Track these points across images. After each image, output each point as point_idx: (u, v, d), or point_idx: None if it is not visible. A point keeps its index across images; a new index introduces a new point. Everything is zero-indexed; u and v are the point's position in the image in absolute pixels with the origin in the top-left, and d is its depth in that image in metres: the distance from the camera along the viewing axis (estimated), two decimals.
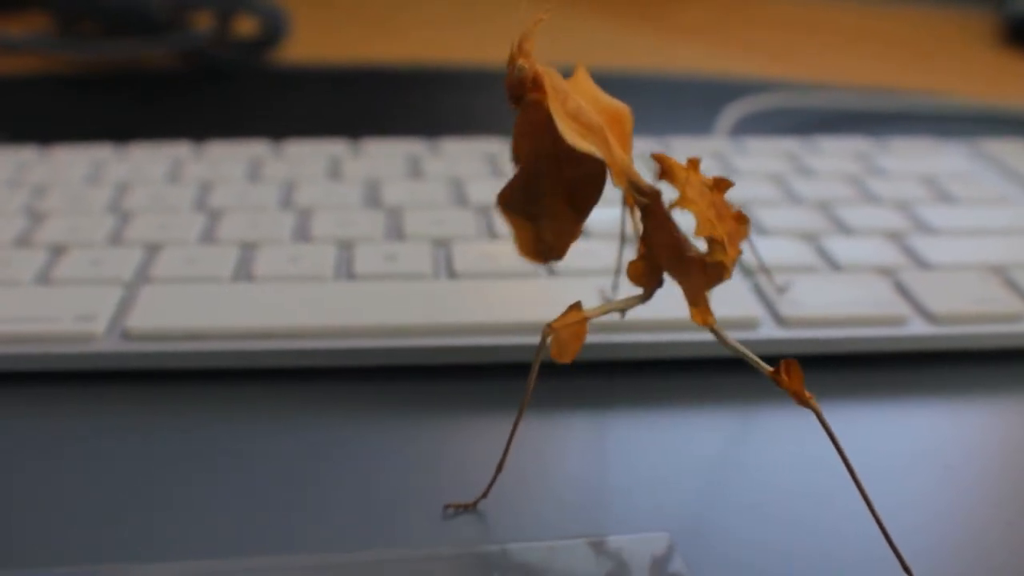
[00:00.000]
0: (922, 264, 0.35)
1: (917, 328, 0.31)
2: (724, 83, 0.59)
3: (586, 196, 0.25)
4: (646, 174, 0.40)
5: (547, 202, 0.25)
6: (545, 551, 0.23)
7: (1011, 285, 0.34)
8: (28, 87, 0.57)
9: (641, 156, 0.42)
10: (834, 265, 0.34)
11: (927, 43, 0.73)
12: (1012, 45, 0.72)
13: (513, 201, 0.25)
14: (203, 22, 0.61)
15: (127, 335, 0.30)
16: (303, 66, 0.62)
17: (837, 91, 0.56)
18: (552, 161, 0.24)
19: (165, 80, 0.59)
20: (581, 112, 0.24)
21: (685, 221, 0.35)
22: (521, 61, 0.23)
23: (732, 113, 0.50)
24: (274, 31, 0.61)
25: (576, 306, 0.24)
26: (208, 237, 0.35)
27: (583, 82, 0.25)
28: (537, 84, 0.23)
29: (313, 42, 0.68)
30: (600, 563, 0.23)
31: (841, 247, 0.35)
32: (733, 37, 0.72)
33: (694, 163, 0.24)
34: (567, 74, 0.26)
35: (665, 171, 0.24)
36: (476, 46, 0.68)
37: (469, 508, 0.25)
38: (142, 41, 0.60)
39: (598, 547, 0.24)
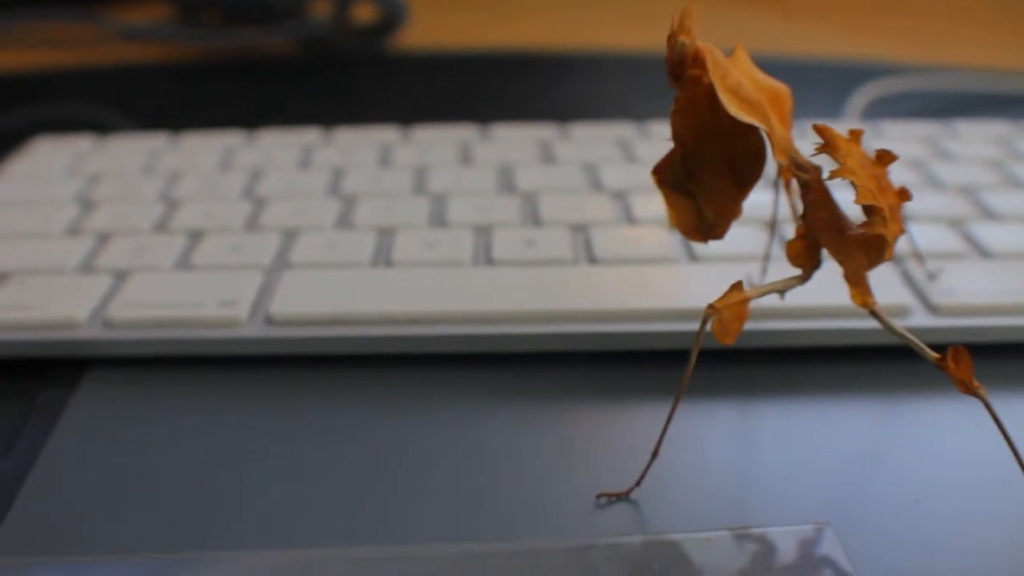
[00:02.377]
0: None
1: None
2: (853, 66, 0.58)
3: (747, 171, 0.24)
4: (807, 152, 0.40)
5: (707, 178, 0.24)
6: (700, 542, 0.23)
7: None
8: (151, 75, 0.58)
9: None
10: (983, 252, 0.33)
11: None
12: None
13: (671, 177, 0.25)
14: (321, 9, 0.62)
15: (270, 320, 0.30)
16: (423, 52, 0.61)
17: (968, 73, 0.55)
18: (712, 136, 0.24)
19: (285, 68, 0.59)
20: (742, 87, 0.23)
21: (845, 199, 0.34)
22: (683, 37, 0.23)
23: (862, 96, 0.49)
24: (393, 17, 0.61)
25: (737, 286, 0.23)
26: (344, 222, 0.35)
27: (743, 61, 0.24)
28: (698, 60, 0.23)
29: (432, 28, 0.68)
30: (755, 554, 0.23)
31: (989, 233, 0.34)
32: (860, 20, 0.71)
33: (856, 135, 0.23)
34: (727, 54, 0.25)
35: (827, 142, 0.23)
36: (594, 30, 0.68)
37: (622, 496, 0.24)
38: (261, 29, 0.60)
39: (752, 538, 0.23)
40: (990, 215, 0.36)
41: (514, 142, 0.42)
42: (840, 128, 0.43)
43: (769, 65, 0.58)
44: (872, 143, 0.42)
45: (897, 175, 0.39)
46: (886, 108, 0.51)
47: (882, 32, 0.68)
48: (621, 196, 0.37)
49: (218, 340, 0.29)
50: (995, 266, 0.32)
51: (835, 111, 0.50)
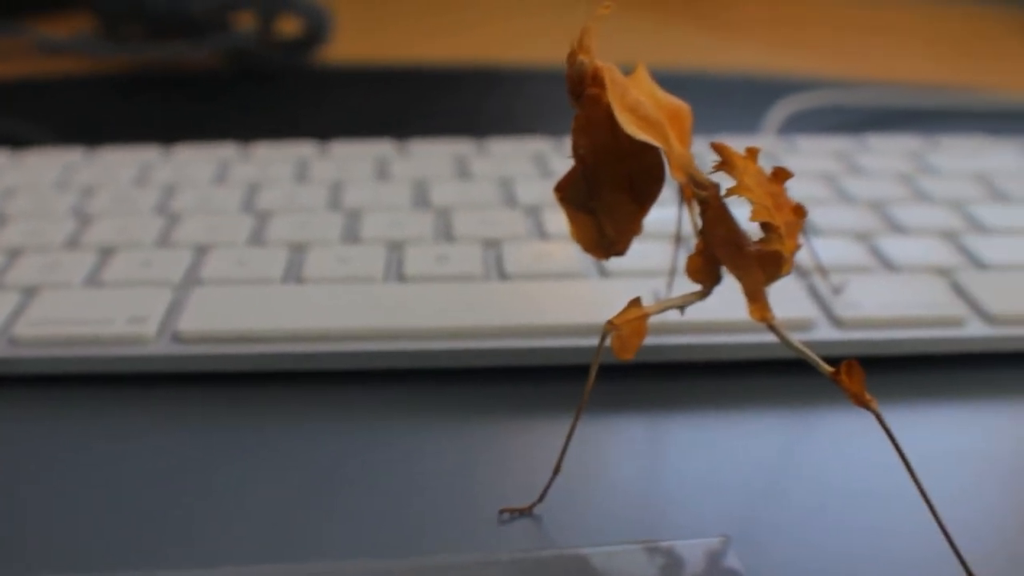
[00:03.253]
0: (978, 264, 0.34)
1: (975, 329, 0.31)
2: (773, 81, 0.59)
3: (647, 189, 0.24)
4: (706, 169, 0.40)
5: (607, 196, 0.25)
6: (604, 556, 0.23)
7: None
8: (72, 88, 0.57)
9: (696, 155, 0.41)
10: (889, 265, 0.34)
11: (976, 40, 0.72)
12: None
13: (572, 194, 0.25)
14: (246, 23, 0.61)
15: (178, 338, 0.30)
16: (347, 66, 0.61)
17: (886, 88, 0.55)
18: (612, 154, 0.24)
19: (209, 81, 0.59)
20: (640, 106, 0.23)
21: (743, 216, 0.35)
22: (582, 56, 0.23)
23: (780, 111, 0.49)
24: (317, 31, 0.61)
25: (635, 302, 0.23)
26: (257, 239, 0.35)
27: (643, 79, 0.25)
28: (597, 79, 0.23)
29: (356, 42, 0.68)
30: (659, 568, 0.23)
31: (896, 247, 0.35)
32: (783, 35, 0.72)
33: (752, 152, 0.24)
34: (628, 72, 0.25)
35: (724, 159, 0.23)
36: (520, 45, 0.68)
37: (525, 512, 0.25)
38: (185, 42, 0.60)
39: (656, 552, 0.23)
40: (898, 229, 0.36)
41: (431, 158, 0.42)
42: (746, 144, 0.44)
43: (691, 79, 0.59)
44: (786, 158, 0.43)
45: (809, 190, 0.39)
46: (803, 123, 0.52)
47: (804, 48, 0.69)
48: (534, 211, 0.37)
49: (126, 358, 0.29)
50: (900, 279, 0.33)
51: (753, 125, 0.51)
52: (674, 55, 0.66)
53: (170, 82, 0.59)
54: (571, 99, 0.24)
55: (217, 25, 0.61)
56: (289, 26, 0.63)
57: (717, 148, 0.23)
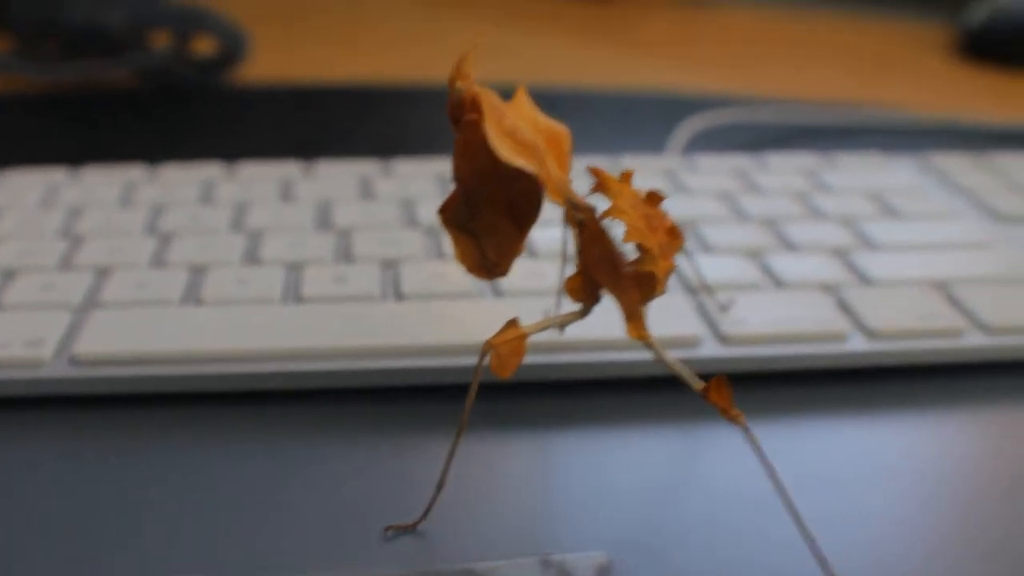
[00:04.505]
0: (865, 280, 0.35)
1: (857, 344, 0.32)
2: (679, 99, 0.60)
3: (525, 212, 0.25)
4: (584, 192, 0.41)
5: (488, 218, 0.25)
6: (485, 571, 0.24)
7: (952, 300, 0.34)
8: None
9: (583, 175, 0.42)
10: (778, 282, 0.35)
11: (884, 55, 0.73)
12: (968, 57, 0.73)
13: (455, 216, 0.25)
14: (162, 42, 0.62)
15: (75, 360, 0.30)
16: (260, 86, 0.62)
17: (790, 105, 0.57)
18: (490, 179, 0.25)
19: (123, 100, 0.59)
20: (517, 131, 0.24)
21: (621, 238, 0.36)
22: (459, 83, 0.24)
23: (685, 130, 0.50)
24: (233, 51, 0.61)
25: (514, 322, 0.24)
26: (158, 261, 0.36)
27: (523, 104, 0.25)
28: (475, 105, 0.24)
29: (272, 62, 0.68)
30: None
31: (785, 264, 0.36)
32: (691, 52, 0.73)
33: (627, 176, 0.25)
34: (508, 96, 0.26)
35: (600, 183, 0.24)
36: (438, 65, 0.68)
37: (409, 529, 0.25)
38: (101, 61, 0.60)
39: (538, 566, 0.24)
40: (789, 246, 0.37)
41: (336, 178, 0.43)
42: (659, 166, 0.45)
43: (598, 97, 0.60)
44: (687, 177, 0.44)
45: (705, 208, 0.40)
46: (709, 141, 0.53)
47: (712, 64, 0.70)
48: (434, 232, 0.38)
49: (21, 381, 0.30)
50: (787, 296, 0.34)
51: (659, 144, 0.52)
52: (580, 73, 0.67)
53: (84, 101, 0.59)
54: (452, 125, 0.25)
55: (133, 44, 0.61)
56: (205, 46, 0.63)
57: (593, 172, 0.24)
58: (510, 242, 0.26)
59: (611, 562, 0.24)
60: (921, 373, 0.32)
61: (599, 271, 0.25)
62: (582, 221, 0.25)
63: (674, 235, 0.25)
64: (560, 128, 0.26)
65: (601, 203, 0.40)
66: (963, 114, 0.59)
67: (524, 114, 0.25)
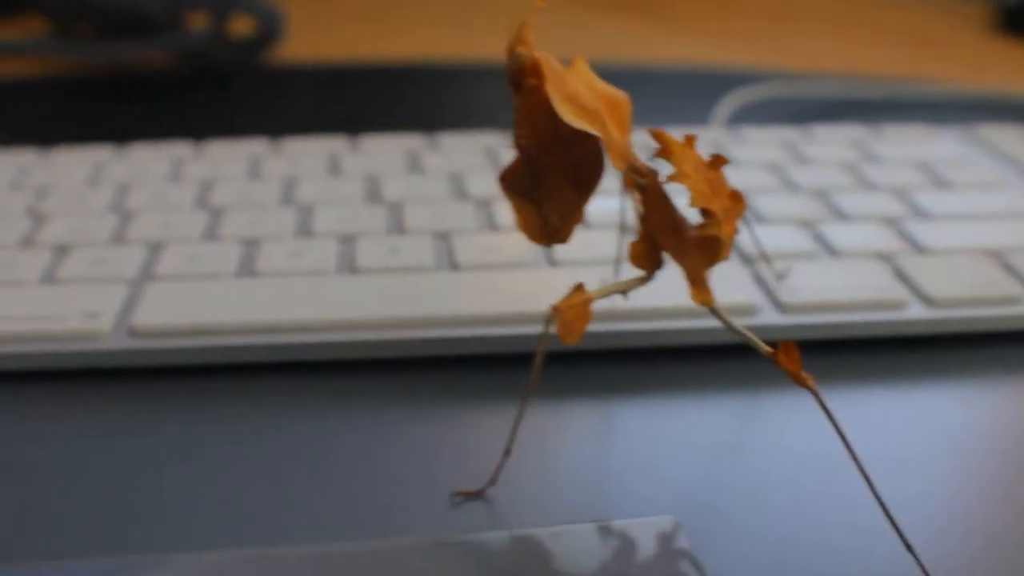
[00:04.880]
0: (919, 249, 0.35)
1: (916, 312, 0.32)
2: (719, 74, 0.59)
3: (588, 176, 0.25)
4: (645, 157, 0.41)
5: (550, 184, 0.25)
6: (553, 536, 0.24)
7: (1008, 268, 0.34)
8: (25, 90, 0.57)
9: (638, 146, 0.42)
10: (832, 251, 0.35)
11: (921, 31, 0.73)
12: (1004, 32, 0.73)
13: (516, 184, 0.25)
14: (199, 23, 0.62)
15: (133, 332, 0.30)
16: (299, 65, 0.62)
17: (832, 80, 0.56)
18: (553, 144, 0.25)
19: (162, 81, 0.59)
20: (579, 95, 0.24)
21: (683, 203, 0.35)
22: (520, 48, 0.24)
23: (728, 104, 0.50)
24: (270, 31, 0.61)
25: (579, 288, 0.24)
26: (210, 235, 0.36)
27: (581, 70, 0.25)
28: (536, 70, 0.24)
29: (309, 41, 0.69)
30: (607, 547, 0.23)
31: (839, 233, 0.36)
32: (726, 27, 0.73)
33: (690, 140, 0.24)
34: (567, 63, 0.26)
35: (662, 147, 0.24)
36: (471, 42, 0.68)
37: (477, 495, 0.25)
38: (138, 42, 0.60)
39: (605, 531, 0.24)
40: (841, 216, 0.37)
41: (383, 153, 0.43)
42: (704, 139, 0.45)
43: (637, 73, 0.59)
44: (734, 149, 0.43)
45: (756, 179, 0.40)
46: (751, 114, 0.53)
47: (748, 40, 0.70)
48: (484, 204, 0.38)
49: (81, 353, 0.30)
50: (843, 265, 0.33)
51: (704, 117, 0.52)
52: (621, 49, 0.67)
53: (123, 83, 0.59)
54: (511, 90, 0.25)
55: (170, 25, 0.61)
56: (242, 26, 0.63)
57: (656, 135, 0.24)
58: (572, 208, 0.26)
59: (677, 526, 0.24)
60: (981, 340, 0.32)
61: (662, 236, 0.25)
62: (644, 186, 0.25)
63: (736, 199, 0.25)
64: (619, 94, 0.26)
65: (663, 167, 0.40)
66: (1001, 88, 0.58)
67: (584, 80, 0.25)
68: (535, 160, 0.25)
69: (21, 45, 0.61)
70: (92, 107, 0.54)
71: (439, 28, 0.72)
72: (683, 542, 0.23)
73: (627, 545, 0.23)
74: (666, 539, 0.24)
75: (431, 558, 0.23)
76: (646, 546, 0.23)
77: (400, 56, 0.65)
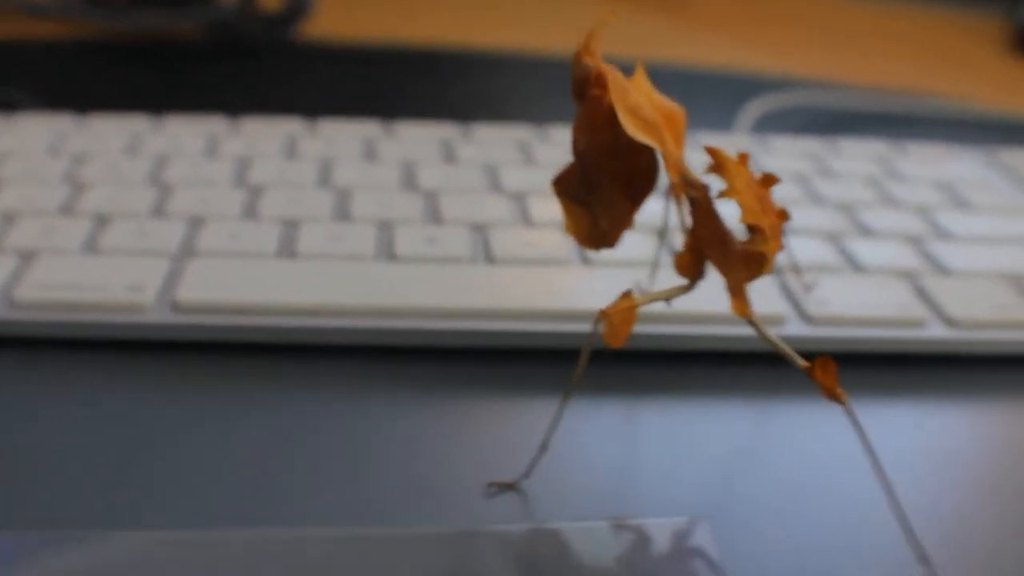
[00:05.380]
0: (940, 269, 0.36)
1: (936, 331, 0.32)
2: (744, 79, 0.60)
3: (642, 186, 0.26)
4: (697, 169, 0.41)
5: (603, 191, 0.26)
6: (582, 532, 0.24)
7: None
8: (57, 53, 0.58)
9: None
10: (857, 266, 0.35)
11: (941, 46, 0.74)
12: (1021, 52, 0.74)
13: (570, 189, 0.26)
14: None
15: (176, 307, 0.31)
16: (329, 43, 0.62)
17: (854, 91, 0.57)
18: (611, 153, 0.25)
19: (191, 52, 0.59)
20: (640, 108, 0.25)
21: (728, 215, 0.36)
22: (587, 59, 0.24)
23: (752, 110, 0.51)
24: (299, 7, 0.62)
25: (627, 294, 0.25)
26: (250, 212, 0.36)
27: (641, 82, 0.26)
28: (600, 81, 0.24)
29: (336, 19, 0.69)
30: (633, 545, 0.24)
31: (863, 249, 0.36)
32: (754, 32, 0.73)
33: (743, 157, 0.25)
34: (628, 73, 0.27)
35: (717, 163, 0.25)
36: (497, 29, 0.69)
37: (512, 487, 0.26)
38: (168, 12, 0.61)
39: (632, 529, 0.25)
40: (866, 232, 0.38)
41: (417, 140, 0.43)
42: (730, 146, 0.45)
43: (667, 74, 0.60)
44: (760, 157, 0.44)
45: (783, 189, 0.41)
46: (775, 121, 0.53)
47: (774, 45, 0.70)
48: (519, 198, 0.38)
49: (125, 325, 0.30)
50: (867, 280, 0.34)
51: (727, 122, 0.53)
52: (646, 48, 0.67)
53: (154, 51, 0.59)
54: (574, 99, 0.25)
55: None
56: (271, 1, 0.63)
57: (711, 152, 0.25)
58: (623, 215, 0.26)
59: (699, 526, 0.25)
60: (997, 363, 0.33)
61: (710, 248, 0.26)
62: (696, 199, 0.25)
63: (783, 217, 0.26)
64: (675, 107, 0.27)
65: (715, 182, 0.41)
66: (1016, 109, 0.59)
67: (644, 92, 0.26)
68: (591, 167, 0.26)
69: (51, 7, 0.62)
70: (123, 73, 0.55)
71: (462, 11, 0.73)
72: (708, 542, 0.24)
73: (655, 543, 0.24)
74: (691, 539, 0.24)
75: (464, 546, 0.24)
76: (668, 544, 0.24)
77: (427, 39, 0.65)
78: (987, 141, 0.53)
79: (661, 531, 0.25)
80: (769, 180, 0.25)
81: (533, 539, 0.24)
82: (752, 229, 0.25)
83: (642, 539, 0.24)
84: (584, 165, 0.26)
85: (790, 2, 0.84)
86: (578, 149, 0.26)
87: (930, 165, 0.45)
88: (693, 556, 0.24)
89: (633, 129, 0.24)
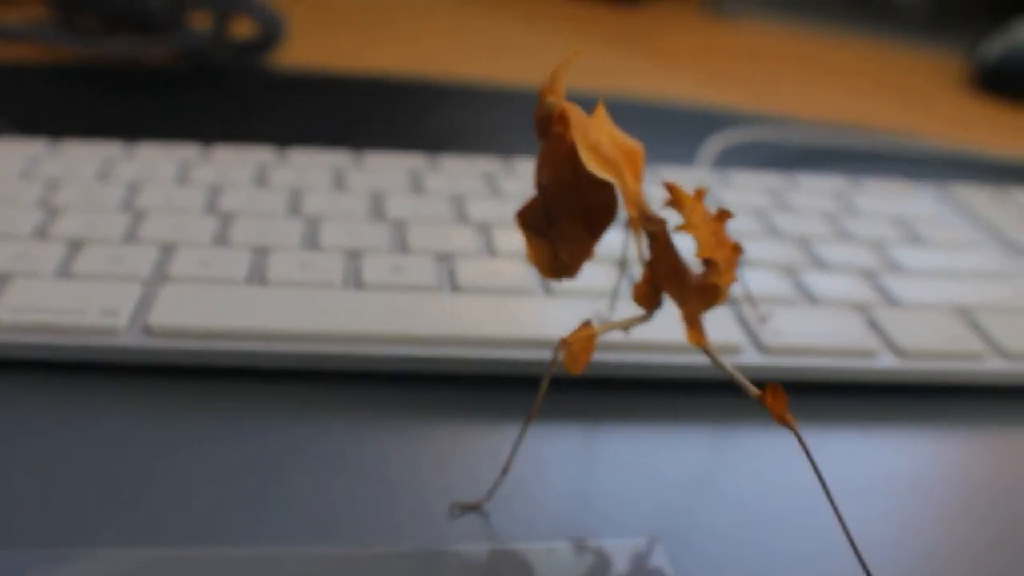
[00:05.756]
0: (892, 301, 0.37)
1: (886, 362, 0.34)
2: (707, 114, 0.61)
3: (601, 220, 0.27)
4: (655, 204, 0.43)
5: (564, 224, 0.27)
6: (542, 553, 0.25)
7: (975, 326, 0.36)
8: (26, 77, 0.58)
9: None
10: (811, 298, 0.37)
11: (903, 83, 0.75)
12: (982, 90, 0.75)
13: (533, 221, 0.27)
14: (202, 22, 0.63)
15: (149, 331, 0.31)
16: (301, 72, 0.63)
17: (815, 127, 0.58)
18: (572, 188, 0.26)
19: (164, 79, 0.60)
20: (600, 145, 0.26)
21: (685, 248, 0.37)
22: (550, 98, 0.25)
23: (714, 145, 0.52)
24: (271, 34, 0.63)
25: (587, 324, 0.26)
26: (221, 240, 0.37)
27: (602, 119, 0.27)
28: (563, 119, 0.25)
29: (308, 47, 0.70)
30: (592, 564, 0.25)
31: (818, 282, 0.38)
32: (717, 67, 0.75)
33: (700, 193, 0.26)
34: (589, 111, 0.28)
35: (675, 199, 0.26)
36: (463, 59, 0.70)
37: (474, 508, 0.27)
38: (142, 38, 0.61)
39: (590, 550, 0.26)
40: (821, 265, 0.39)
41: (386, 171, 0.44)
42: (689, 180, 0.46)
43: (631, 108, 0.61)
44: (720, 191, 0.45)
45: (741, 223, 0.42)
46: (736, 156, 0.55)
47: (736, 80, 0.72)
48: (485, 229, 0.39)
49: (99, 348, 0.31)
50: (821, 312, 0.35)
51: (689, 156, 0.54)
52: (612, 81, 0.69)
53: (127, 77, 0.60)
54: (538, 136, 0.26)
55: (173, 23, 0.63)
56: (243, 28, 0.64)
57: (669, 187, 0.26)
58: (583, 247, 0.27)
59: (656, 546, 0.26)
60: (945, 393, 0.34)
61: (666, 280, 0.27)
62: (653, 233, 0.26)
63: (737, 251, 0.27)
64: (634, 144, 0.28)
65: (672, 216, 0.42)
66: (977, 146, 0.61)
67: (604, 129, 0.27)
68: (553, 201, 0.27)
69: (23, 31, 0.62)
70: (96, 99, 0.56)
71: (432, 43, 0.74)
72: (662, 561, 0.25)
73: (610, 562, 0.25)
74: (646, 557, 0.25)
75: (426, 566, 0.25)
76: (628, 563, 0.25)
77: (395, 67, 0.66)
78: (942, 177, 0.55)
79: (619, 551, 0.26)
80: (724, 215, 0.26)
81: (495, 559, 0.25)
82: (707, 262, 0.26)
83: (601, 559, 0.25)
84: (546, 199, 0.27)
85: (754, 38, 0.85)
86: (541, 183, 0.27)
87: (886, 200, 0.46)
88: (651, 573, 0.25)
89: (593, 166, 0.25)
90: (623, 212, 0.41)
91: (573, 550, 0.26)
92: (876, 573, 0.26)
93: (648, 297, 0.27)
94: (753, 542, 0.27)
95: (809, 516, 0.28)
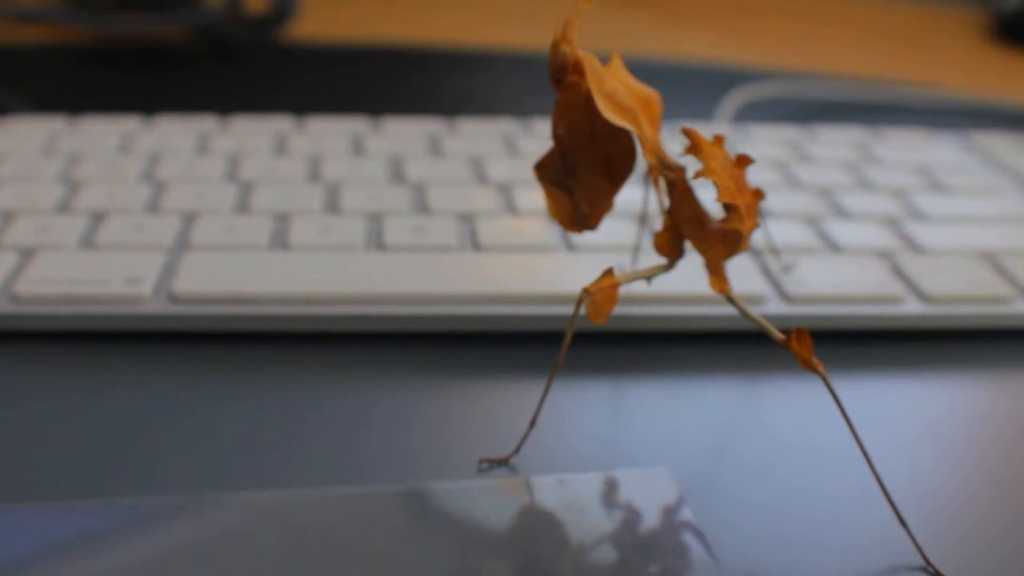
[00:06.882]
0: (916, 248, 0.37)
1: (912, 307, 0.33)
2: (724, 71, 0.61)
3: (620, 169, 0.27)
4: (673, 152, 0.42)
5: (583, 175, 0.27)
6: (556, 484, 0.25)
7: (999, 270, 0.36)
8: (46, 57, 0.58)
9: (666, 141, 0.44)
10: (834, 247, 0.36)
11: (921, 36, 0.75)
12: (1001, 40, 0.75)
13: (550, 173, 0.27)
14: None
15: (174, 298, 0.32)
16: (313, 44, 0.63)
17: (833, 81, 0.58)
18: (589, 137, 0.26)
19: (179, 56, 0.60)
20: (616, 93, 0.26)
21: (707, 196, 0.37)
22: (564, 46, 0.25)
23: (732, 100, 0.52)
24: (284, 8, 0.63)
25: (608, 272, 0.26)
26: (242, 207, 0.37)
27: (618, 69, 0.27)
28: (577, 68, 0.25)
29: (321, 20, 0.70)
30: (607, 493, 0.25)
31: (841, 231, 0.37)
32: (733, 26, 0.74)
33: (719, 139, 0.26)
34: (604, 61, 0.28)
35: (693, 144, 0.26)
36: (480, 27, 0.70)
37: (503, 462, 0.27)
38: (156, 15, 0.61)
39: (605, 480, 0.26)
40: (843, 214, 0.39)
41: (404, 135, 0.44)
42: (707, 131, 0.46)
43: (649, 68, 0.61)
44: (740, 145, 0.45)
45: (761, 175, 0.42)
46: (755, 112, 0.54)
47: (753, 38, 0.71)
48: (505, 189, 0.39)
49: (124, 316, 0.31)
50: (844, 260, 0.35)
51: (708, 113, 0.54)
52: (627, 43, 0.68)
53: (141, 54, 0.60)
54: (553, 85, 0.26)
55: (186, 0, 0.63)
56: (256, 3, 0.64)
57: (687, 133, 0.26)
58: (603, 197, 0.27)
59: (671, 476, 0.26)
60: (971, 337, 0.34)
61: (687, 227, 0.27)
62: (673, 180, 0.26)
63: (758, 196, 0.27)
64: (652, 93, 0.28)
65: (691, 163, 0.42)
66: (996, 95, 0.60)
67: (620, 78, 0.27)
68: (570, 151, 0.27)
69: (40, 13, 0.62)
70: (111, 77, 0.56)
71: (444, 11, 0.74)
72: (674, 491, 0.25)
73: (625, 492, 0.25)
74: (660, 488, 0.25)
75: (458, 498, 0.25)
76: (642, 493, 0.25)
77: (408, 37, 0.66)
78: (963, 126, 0.54)
79: (634, 480, 0.26)
80: (744, 161, 0.26)
81: (513, 490, 0.25)
82: (728, 208, 0.26)
83: (617, 488, 0.25)
84: (564, 150, 0.27)
85: None
86: (557, 134, 0.27)
87: (907, 150, 0.46)
88: (667, 503, 0.25)
89: (609, 113, 0.25)
90: (642, 163, 0.41)
91: (585, 481, 0.26)
92: (904, 514, 0.26)
93: (669, 245, 0.27)
94: (777, 489, 0.27)
95: (836, 464, 0.28)
